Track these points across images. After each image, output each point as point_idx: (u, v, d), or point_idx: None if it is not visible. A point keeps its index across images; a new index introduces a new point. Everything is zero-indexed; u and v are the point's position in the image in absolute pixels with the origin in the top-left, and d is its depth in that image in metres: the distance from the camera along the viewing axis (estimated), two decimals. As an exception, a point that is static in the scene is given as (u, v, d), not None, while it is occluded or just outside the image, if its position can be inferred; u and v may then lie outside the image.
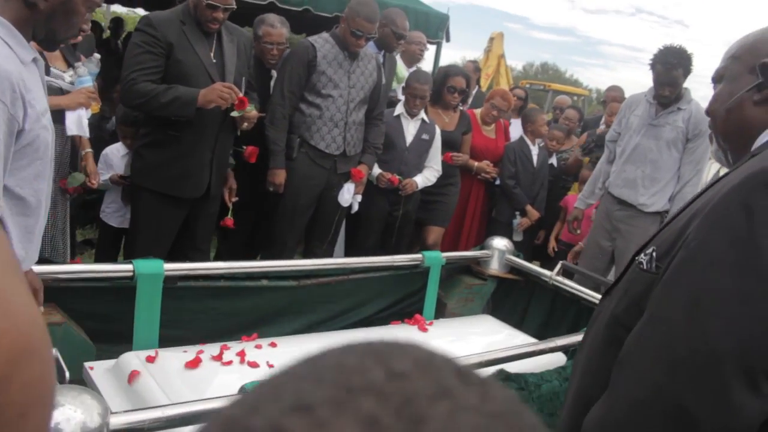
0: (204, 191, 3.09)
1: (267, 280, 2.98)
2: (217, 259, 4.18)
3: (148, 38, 2.89)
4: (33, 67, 1.50)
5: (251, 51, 3.30)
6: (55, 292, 2.41)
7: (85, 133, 2.93)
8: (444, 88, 4.33)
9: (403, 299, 3.52)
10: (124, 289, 2.51)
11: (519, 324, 3.65)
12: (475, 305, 3.70)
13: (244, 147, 3.39)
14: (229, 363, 2.28)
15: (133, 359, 2.20)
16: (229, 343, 2.46)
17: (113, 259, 3.48)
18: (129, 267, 2.47)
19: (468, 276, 3.72)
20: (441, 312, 3.59)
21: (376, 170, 4.02)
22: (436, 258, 3.43)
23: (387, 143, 4.07)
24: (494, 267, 3.66)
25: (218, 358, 2.29)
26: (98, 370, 2.22)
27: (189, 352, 2.31)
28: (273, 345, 2.52)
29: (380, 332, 3.02)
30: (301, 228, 3.72)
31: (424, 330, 3.02)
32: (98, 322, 2.56)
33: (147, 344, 2.49)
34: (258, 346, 2.49)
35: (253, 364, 2.27)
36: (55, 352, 1.79)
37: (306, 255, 3.90)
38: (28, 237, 1.56)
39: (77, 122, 2.88)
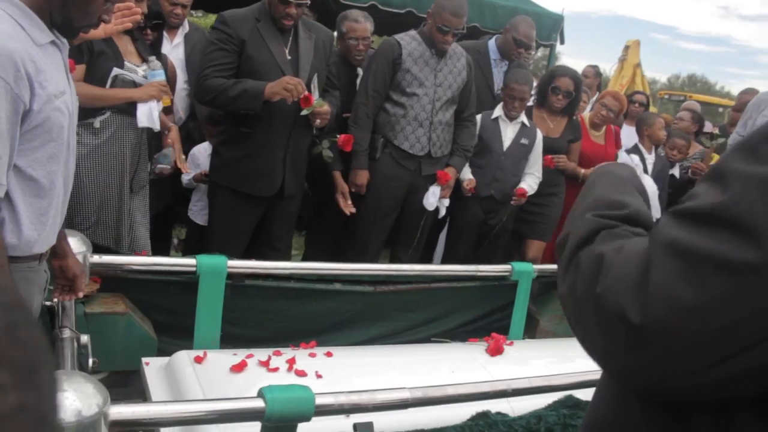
0: (277, 190, 3.20)
1: (340, 284, 3.02)
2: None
3: (221, 35, 3.05)
4: (51, 48, 1.60)
5: (331, 48, 3.40)
6: (124, 283, 2.59)
7: (156, 125, 3.07)
8: (548, 89, 4.24)
9: (489, 314, 3.47)
10: (191, 284, 2.63)
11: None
12: None
13: (338, 135, 3.47)
14: (275, 370, 2.33)
15: (184, 358, 2.30)
16: (282, 349, 2.52)
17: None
18: (192, 262, 2.59)
19: (566, 292, 3.62)
20: (532, 329, 3.51)
21: (467, 175, 3.99)
22: (526, 270, 3.36)
23: (482, 147, 4.04)
24: (596, 283, 3.53)
25: (265, 363, 2.35)
26: (153, 366, 2.34)
27: (238, 355, 2.38)
28: (329, 355, 2.55)
29: (448, 350, 2.98)
30: (384, 232, 3.76)
31: (500, 351, 2.94)
32: (165, 316, 2.71)
33: (207, 342, 2.59)
34: (312, 355, 2.53)
35: (301, 373, 2.32)
36: (86, 338, 1.93)
37: (391, 261, 3.92)
38: (41, 219, 1.63)
39: (148, 114, 3.01)
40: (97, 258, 2.44)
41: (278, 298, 2.90)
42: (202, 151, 3.72)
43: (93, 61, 2.94)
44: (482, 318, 3.46)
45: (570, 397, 2.02)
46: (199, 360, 2.29)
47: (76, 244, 2.34)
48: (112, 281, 2.58)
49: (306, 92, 3.04)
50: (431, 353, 2.91)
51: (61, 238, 1.86)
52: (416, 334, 3.28)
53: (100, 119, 2.96)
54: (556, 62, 6.45)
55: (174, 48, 3.79)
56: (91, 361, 1.83)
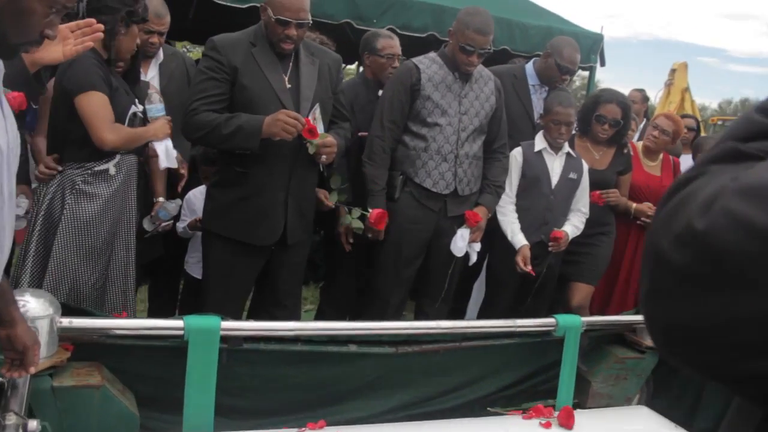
0: (279, 237, 2.98)
1: (356, 345, 2.78)
2: (318, 318, 4.09)
3: (211, 63, 2.88)
4: None
5: (339, 74, 3.19)
6: (102, 350, 2.38)
7: (175, 164, 3.00)
8: (592, 117, 3.99)
9: (532, 375, 3.21)
10: (180, 348, 2.40)
11: (689, 418, 3.24)
12: (629, 384, 3.28)
13: (369, 210, 3.25)
14: None
15: None
16: None
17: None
18: (179, 324, 2.38)
19: (620, 347, 3.33)
20: (584, 392, 3.21)
21: (519, 239, 3.72)
22: (572, 323, 3.08)
23: (528, 185, 3.79)
24: (654, 336, 3.22)
25: None
26: None
27: None
28: None
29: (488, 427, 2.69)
30: (406, 283, 3.51)
31: (547, 426, 2.65)
32: (151, 387, 2.49)
33: (198, 418, 2.37)
34: None
35: None
36: (35, 424, 1.69)
37: (416, 316, 3.67)
38: None
39: (167, 154, 2.94)
40: (66, 322, 2.23)
41: (283, 363, 2.66)
42: (198, 195, 3.52)
43: (112, 97, 2.81)
44: (523, 381, 3.19)
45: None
46: None
47: (40, 306, 2.15)
48: (87, 348, 2.36)
49: (311, 123, 2.83)
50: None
51: (8, 302, 1.67)
52: (446, 402, 3.02)
53: (113, 164, 2.83)
54: (596, 87, 6.20)
55: (149, 81, 3.61)
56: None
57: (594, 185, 3.95)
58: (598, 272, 4.14)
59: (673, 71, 12.05)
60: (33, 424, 1.63)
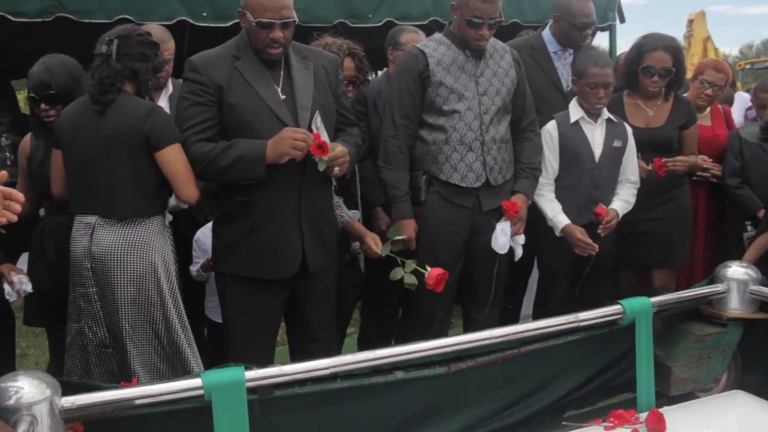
0: (298, 266, 2.67)
1: (402, 372, 2.42)
2: (361, 341, 3.81)
3: (193, 87, 2.61)
4: None
5: (338, 76, 2.86)
6: (120, 423, 2.05)
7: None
8: (638, 70, 3.60)
9: (604, 370, 2.83)
10: (207, 407, 2.07)
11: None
12: (714, 363, 2.92)
13: (428, 268, 2.80)
14: None
15: None
16: None
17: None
18: (197, 382, 2.05)
19: (697, 323, 2.96)
20: (664, 379, 2.85)
21: (562, 218, 3.35)
22: (642, 306, 2.69)
23: (568, 162, 3.42)
24: (734, 306, 2.87)
25: None
26: None
27: None
28: None
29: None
30: (449, 292, 3.14)
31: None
32: None
33: None
34: None
35: None
36: None
37: (465, 325, 3.33)
38: None
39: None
40: (68, 401, 1.91)
41: (323, 404, 2.33)
42: (207, 233, 3.24)
43: None
44: (595, 378, 2.82)
45: None
46: None
47: (35, 389, 1.86)
48: (103, 424, 2.05)
49: (321, 138, 2.50)
50: None
51: None
52: (513, 415, 2.65)
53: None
54: (617, 47, 5.78)
55: None
56: None
57: (653, 146, 3.57)
58: (679, 248, 3.75)
59: (690, 22, 11.77)
60: None
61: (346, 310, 3.49)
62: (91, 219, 2.71)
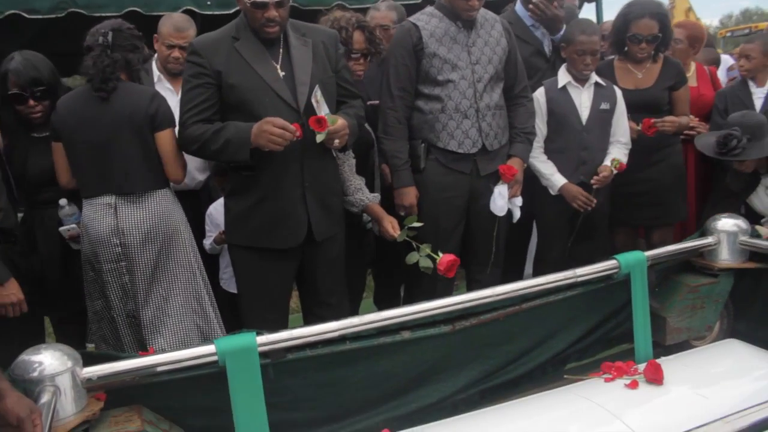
0: (305, 236, 2.69)
1: (409, 332, 2.48)
2: (377, 305, 3.86)
3: (194, 69, 2.62)
4: None
5: (337, 50, 2.85)
6: (141, 391, 2.13)
7: None
8: (625, 38, 3.60)
9: (602, 322, 2.90)
10: (223, 373, 2.12)
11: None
12: (707, 313, 2.96)
13: (440, 253, 2.82)
14: None
15: None
16: None
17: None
18: (210, 348, 2.10)
19: (690, 275, 3.00)
20: (660, 329, 2.90)
21: (558, 178, 3.40)
22: (636, 259, 2.74)
23: (557, 125, 3.46)
24: (725, 257, 2.93)
25: None
26: None
27: None
28: None
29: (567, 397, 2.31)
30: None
31: (633, 386, 2.33)
32: (201, 418, 2.23)
33: None
34: None
35: None
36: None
37: (469, 287, 3.36)
38: None
39: None
40: (89, 372, 1.97)
41: (334, 366, 2.39)
42: (219, 208, 3.26)
43: None
44: (594, 331, 2.89)
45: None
46: None
47: (57, 361, 1.90)
48: (125, 392, 2.12)
49: (316, 116, 2.50)
50: (537, 410, 2.26)
51: None
52: (517, 369, 2.72)
53: None
54: (603, 18, 5.71)
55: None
56: None
57: (642, 107, 3.57)
58: (675, 207, 3.77)
59: (671, -10, 11.50)
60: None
61: (358, 276, 3.51)
62: (110, 199, 2.78)
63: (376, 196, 3.07)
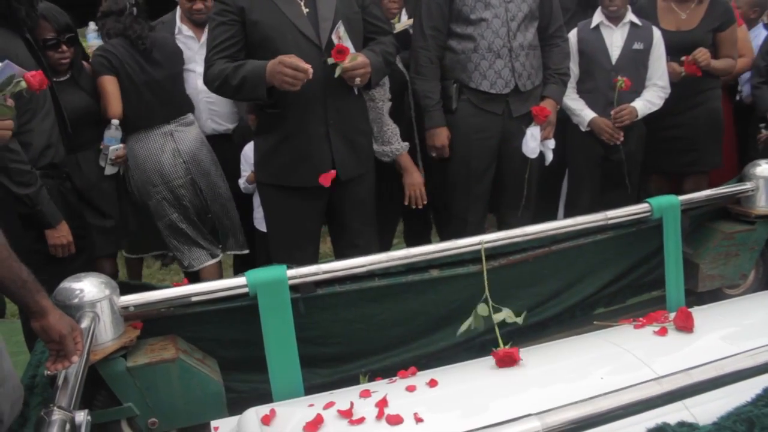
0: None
1: (438, 270, 2.50)
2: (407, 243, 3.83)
3: (219, 7, 2.59)
4: None
5: None
6: (176, 322, 2.19)
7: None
8: None
9: (633, 267, 2.87)
10: (254, 306, 2.16)
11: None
12: (742, 260, 2.91)
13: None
14: (360, 421, 1.80)
15: (252, 419, 1.87)
16: (373, 387, 2.03)
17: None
18: (242, 280, 2.14)
19: (725, 222, 2.95)
20: (692, 276, 2.86)
21: (588, 112, 3.34)
22: (669, 203, 2.70)
23: (587, 65, 3.43)
24: (763, 204, 2.86)
25: (347, 413, 1.82)
26: (222, 431, 1.95)
27: (316, 405, 1.89)
28: (432, 384, 2.00)
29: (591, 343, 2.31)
30: (482, 197, 3.17)
31: (663, 333, 2.27)
32: (233, 350, 2.29)
33: (285, 379, 2.16)
34: (410, 388, 1.99)
35: (394, 420, 1.78)
36: (81, 416, 1.45)
37: (500, 229, 3.28)
38: None
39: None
40: (126, 300, 2.03)
41: (363, 301, 2.42)
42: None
43: None
44: (625, 276, 2.87)
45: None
46: (266, 420, 1.83)
47: (96, 289, 1.96)
48: (161, 322, 2.18)
49: (338, 45, 2.47)
50: (566, 353, 2.26)
51: (33, 292, 1.47)
52: (545, 311, 2.72)
53: None
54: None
55: (202, 47, 3.37)
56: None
57: (682, 51, 3.45)
58: (707, 155, 3.66)
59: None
60: (80, 416, 1.40)
61: (389, 222, 3.52)
62: (167, 127, 3.33)
63: (406, 145, 3.06)
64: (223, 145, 3.54)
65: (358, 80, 2.52)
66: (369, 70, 2.53)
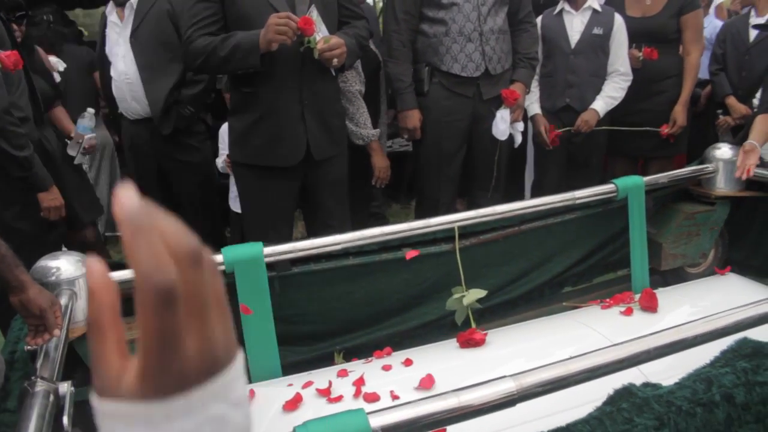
0: (303, 155, 2.68)
1: (410, 249, 2.51)
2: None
3: None
4: None
5: None
6: None
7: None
8: None
9: (600, 247, 2.94)
10: (233, 284, 2.18)
11: (771, 265, 2.92)
12: (702, 240, 2.98)
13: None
14: (339, 399, 1.86)
15: None
16: (350, 366, 2.09)
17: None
18: (218, 258, 2.15)
19: (687, 203, 3.04)
20: (656, 255, 2.95)
21: (534, 107, 3.47)
22: (634, 183, 2.77)
23: (546, 52, 3.50)
24: (722, 185, 2.95)
25: (326, 392, 1.87)
26: None
27: (294, 385, 1.94)
28: (407, 363, 2.07)
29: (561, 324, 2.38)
30: (453, 178, 3.22)
31: (628, 313, 2.36)
32: None
33: (262, 352, 2.18)
34: (386, 368, 2.06)
35: (372, 397, 1.84)
36: (65, 387, 1.48)
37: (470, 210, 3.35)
38: None
39: None
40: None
41: (338, 280, 2.45)
42: None
43: None
44: (592, 255, 2.93)
45: (745, 341, 1.41)
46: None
47: (73, 266, 1.95)
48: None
49: (303, 17, 2.48)
50: (535, 333, 2.33)
51: (11, 266, 1.48)
52: (516, 290, 2.79)
53: None
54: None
55: (123, 29, 3.37)
56: (65, 419, 1.37)
57: (647, 36, 3.53)
58: (672, 141, 3.72)
59: None
60: (63, 387, 1.42)
61: (362, 202, 3.57)
62: None
63: (377, 132, 3.11)
64: (155, 128, 3.42)
65: (335, 61, 2.54)
66: (345, 50, 2.54)
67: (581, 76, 3.44)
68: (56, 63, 3.33)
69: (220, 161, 3.46)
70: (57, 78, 3.32)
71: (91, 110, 3.11)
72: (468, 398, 1.16)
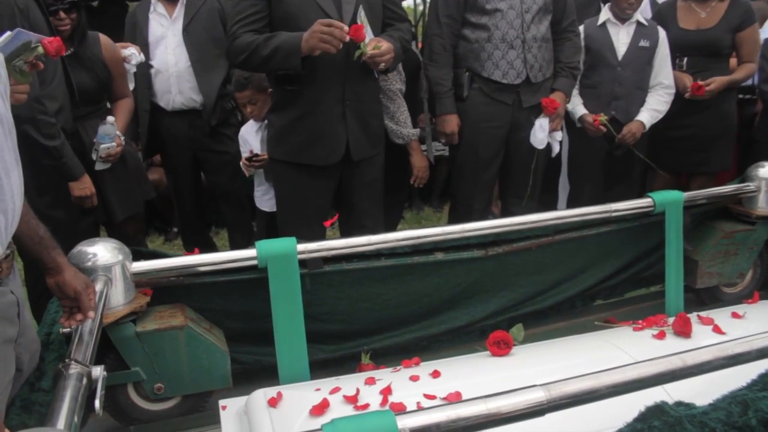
0: (342, 155, 2.69)
1: (442, 253, 2.53)
2: None
3: None
4: None
5: None
6: (184, 291, 2.22)
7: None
8: None
9: (634, 261, 2.90)
10: (263, 280, 2.19)
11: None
12: (740, 259, 2.93)
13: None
14: (365, 407, 1.86)
15: (259, 400, 1.91)
16: (378, 374, 2.08)
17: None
18: (252, 252, 2.17)
19: (726, 221, 2.97)
20: (691, 273, 2.88)
21: (580, 108, 3.39)
22: (673, 198, 2.72)
23: (592, 61, 3.44)
24: (763, 205, 2.88)
25: (353, 399, 1.87)
26: (229, 411, 1.99)
27: (322, 390, 1.94)
28: (435, 375, 2.04)
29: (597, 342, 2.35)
30: (488, 185, 3.21)
31: (661, 337, 2.32)
32: (239, 322, 2.33)
33: (291, 353, 2.20)
34: (414, 378, 2.04)
35: (398, 407, 1.82)
36: (98, 371, 1.50)
37: (504, 217, 3.33)
38: None
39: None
40: (138, 266, 2.07)
41: (369, 281, 2.45)
42: (249, 129, 3.30)
43: None
44: (626, 269, 2.90)
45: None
46: (273, 403, 1.87)
47: (109, 254, 1.99)
48: (169, 291, 2.21)
49: (354, 24, 2.49)
50: (566, 352, 2.29)
51: (49, 248, 1.50)
52: (545, 300, 2.76)
53: None
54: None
55: (173, 23, 3.44)
56: (97, 403, 1.39)
57: (701, 49, 3.47)
58: (714, 157, 3.63)
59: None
60: (96, 370, 1.44)
61: (396, 205, 3.58)
62: None
63: (417, 131, 3.11)
64: (194, 120, 3.54)
65: (382, 65, 2.55)
66: (393, 55, 2.55)
67: (627, 88, 3.40)
68: (131, 55, 3.21)
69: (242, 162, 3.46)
70: (132, 70, 3.24)
71: (111, 118, 3.00)
72: (496, 405, 1.15)
